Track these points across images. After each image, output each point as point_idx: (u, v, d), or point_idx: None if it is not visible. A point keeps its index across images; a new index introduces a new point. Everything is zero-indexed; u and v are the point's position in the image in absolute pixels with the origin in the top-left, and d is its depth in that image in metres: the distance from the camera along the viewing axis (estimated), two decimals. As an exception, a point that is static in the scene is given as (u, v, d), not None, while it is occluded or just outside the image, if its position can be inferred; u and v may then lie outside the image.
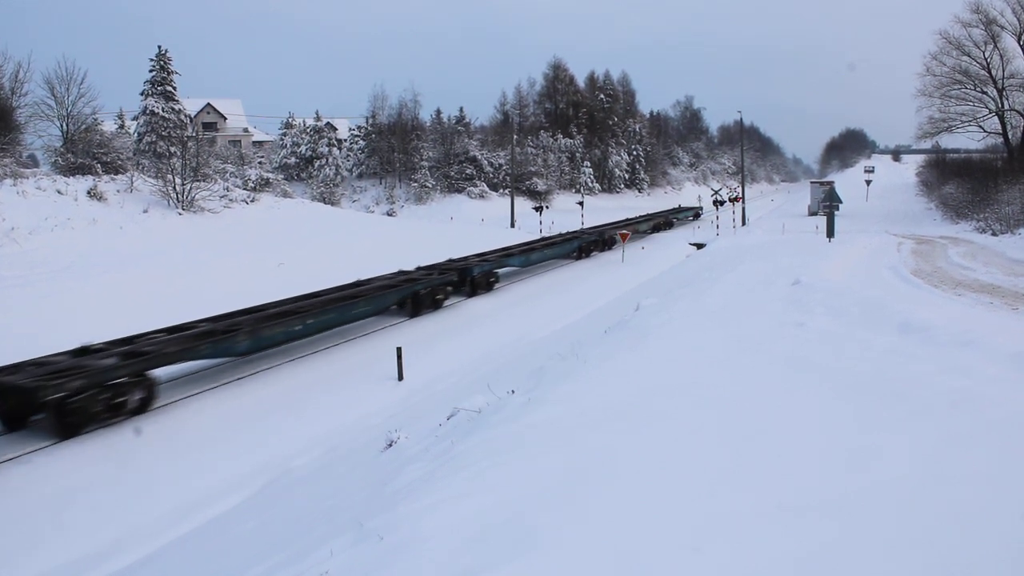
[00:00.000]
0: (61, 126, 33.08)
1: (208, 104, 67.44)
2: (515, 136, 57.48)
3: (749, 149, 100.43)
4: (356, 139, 64.00)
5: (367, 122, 63.36)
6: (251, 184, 36.65)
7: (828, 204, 28.12)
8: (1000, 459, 4.51)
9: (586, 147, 74.92)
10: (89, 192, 26.16)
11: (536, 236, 34.16)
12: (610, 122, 79.66)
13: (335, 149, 58.99)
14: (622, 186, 78.98)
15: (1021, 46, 41.39)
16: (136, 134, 44.42)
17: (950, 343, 7.69)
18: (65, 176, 27.87)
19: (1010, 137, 43.82)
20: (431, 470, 5.48)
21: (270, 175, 40.72)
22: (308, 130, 59.92)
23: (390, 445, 7.78)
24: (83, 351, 11.66)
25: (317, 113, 63.11)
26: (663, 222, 43.98)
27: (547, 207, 47.81)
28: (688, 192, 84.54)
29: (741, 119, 63.98)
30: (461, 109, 70.13)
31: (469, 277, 21.24)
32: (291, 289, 17.75)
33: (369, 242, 29.99)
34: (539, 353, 12.18)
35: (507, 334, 16.78)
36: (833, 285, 12.99)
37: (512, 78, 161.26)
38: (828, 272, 16.37)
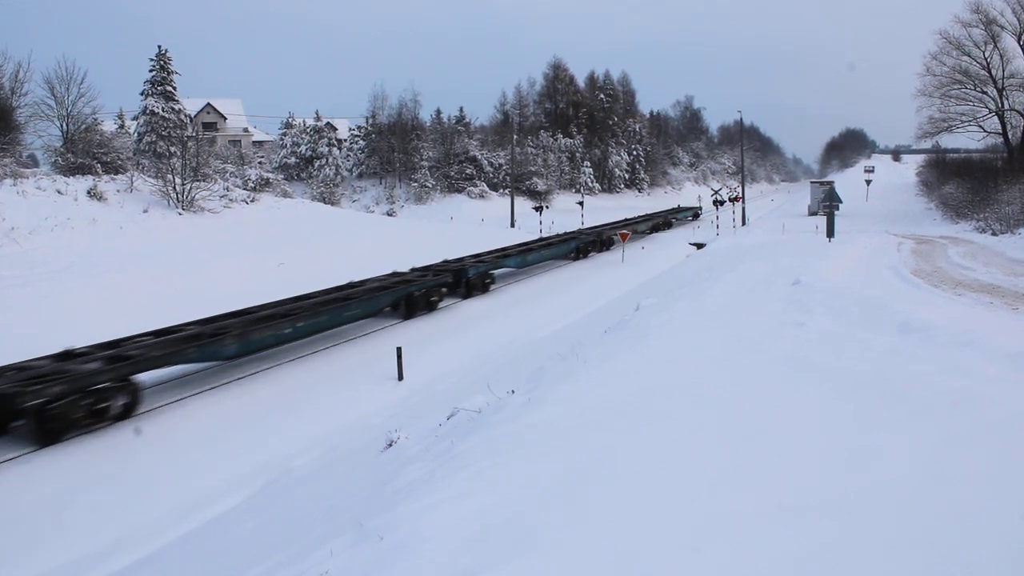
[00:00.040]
0: (61, 126, 33.11)
1: (208, 104, 67.46)
2: (515, 136, 57.48)
3: (749, 149, 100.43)
4: (356, 139, 64.01)
5: (367, 122, 63.37)
6: (251, 184, 36.65)
7: (828, 204, 28.12)
8: (1000, 459, 4.51)
9: (586, 147, 74.91)
10: (89, 192, 26.16)
11: (536, 236, 34.12)
12: (610, 122, 79.66)
13: (335, 149, 59.00)
14: (622, 186, 78.99)
15: (1021, 46, 41.41)
16: (136, 134, 44.42)
17: (950, 343, 7.69)
18: (65, 176, 27.86)
19: (1010, 137, 43.83)
20: (431, 470, 5.48)
21: (270, 175, 40.73)
22: (308, 130, 59.92)
23: (390, 445, 7.78)
24: (67, 355, 11.41)
25: (317, 113, 63.20)
26: (662, 222, 43.86)
27: (547, 207, 47.77)
28: (688, 192, 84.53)
29: (741, 119, 64.05)
30: (461, 109, 70.26)
31: (464, 278, 21.01)
32: (291, 289, 17.74)
33: (369, 242, 29.99)
34: (538, 354, 12.17)
35: (503, 335, 16.68)
36: (833, 285, 12.99)
37: (512, 78, 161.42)
38: (828, 272, 16.38)
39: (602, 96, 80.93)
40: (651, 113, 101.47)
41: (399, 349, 13.76)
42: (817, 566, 3.37)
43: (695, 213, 51.86)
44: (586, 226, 38.24)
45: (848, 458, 4.60)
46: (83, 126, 33.50)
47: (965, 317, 12.01)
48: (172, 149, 39.07)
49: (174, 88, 45.72)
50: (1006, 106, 42.99)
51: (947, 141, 54.02)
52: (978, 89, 43.52)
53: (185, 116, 45.76)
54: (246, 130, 70.90)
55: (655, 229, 42.10)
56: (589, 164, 73.55)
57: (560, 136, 72.28)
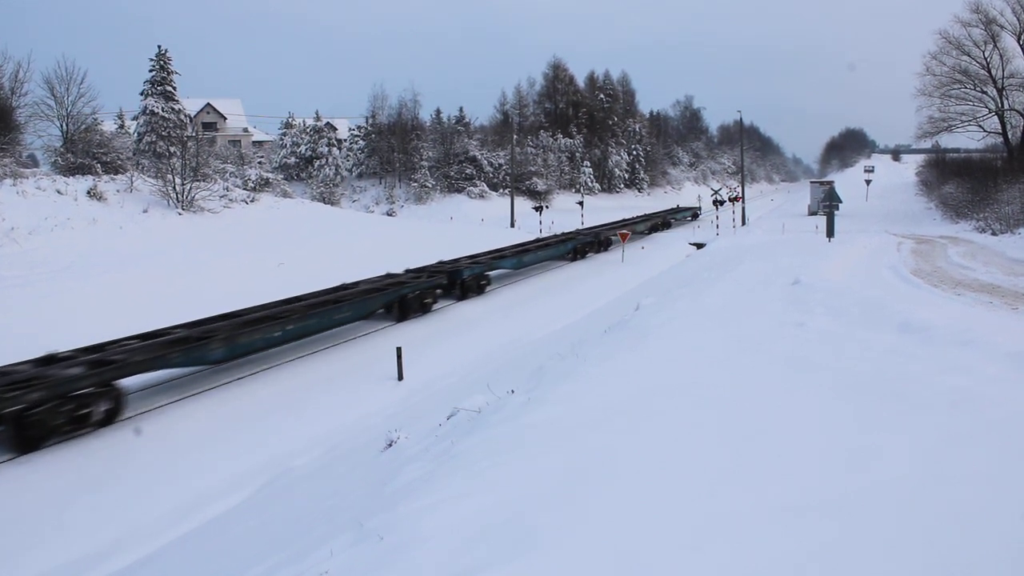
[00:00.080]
0: (61, 126, 33.10)
1: (208, 104, 67.47)
2: (515, 136, 57.47)
3: (749, 149, 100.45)
4: (356, 139, 64.00)
5: (367, 122, 63.38)
6: (251, 184, 36.66)
7: (828, 204, 28.11)
8: (1000, 459, 4.51)
9: (586, 147, 74.92)
10: (89, 192, 26.16)
11: (536, 236, 34.08)
12: (610, 122, 79.68)
13: (335, 149, 59.00)
14: (622, 186, 79.00)
15: (1021, 46, 41.42)
16: (136, 134, 44.42)
17: (950, 343, 7.69)
18: (65, 176, 27.87)
19: (1010, 137, 43.84)
20: (431, 470, 5.48)
21: (270, 175, 40.74)
22: (308, 130, 59.93)
23: (390, 445, 7.78)
24: (49, 359, 11.17)
25: (317, 113, 63.23)
26: (660, 223, 43.72)
27: (547, 207, 47.76)
28: (688, 192, 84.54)
29: (741, 119, 63.99)
30: (461, 109, 70.33)
31: (459, 280, 20.73)
32: (291, 289, 17.73)
33: (369, 242, 29.98)
34: (537, 355, 12.16)
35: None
36: (833, 285, 13.00)
37: (512, 78, 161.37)
38: (828, 272, 16.38)
39: (602, 96, 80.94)
40: (651, 113, 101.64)
41: (399, 349, 13.76)
42: (817, 566, 3.37)
43: (694, 213, 51.65)
44: (584, 226, 38.14)
45: (848, 458, 4.60)
46: (83, 126, 33.49)
47: (965, 317, 12.02)
48: (172, 149, 39.07)
49: (174, 88, 45.73)
50: (1006, 106, 43.02)
51: (947, 141, 54.15)
52: (978, 89, 43.55)
53: (185, 116, 45.76)
54: (246, 130, 70.92)
55: (653, 229, 42.02)
56: (589, 164, 73.56)
57: (560, 136, 72.28)
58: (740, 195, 45.45)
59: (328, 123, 62.88)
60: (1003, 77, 42.47)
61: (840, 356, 7.40)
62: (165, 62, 45.53)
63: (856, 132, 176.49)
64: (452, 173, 61.18)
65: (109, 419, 10.83)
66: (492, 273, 23.30)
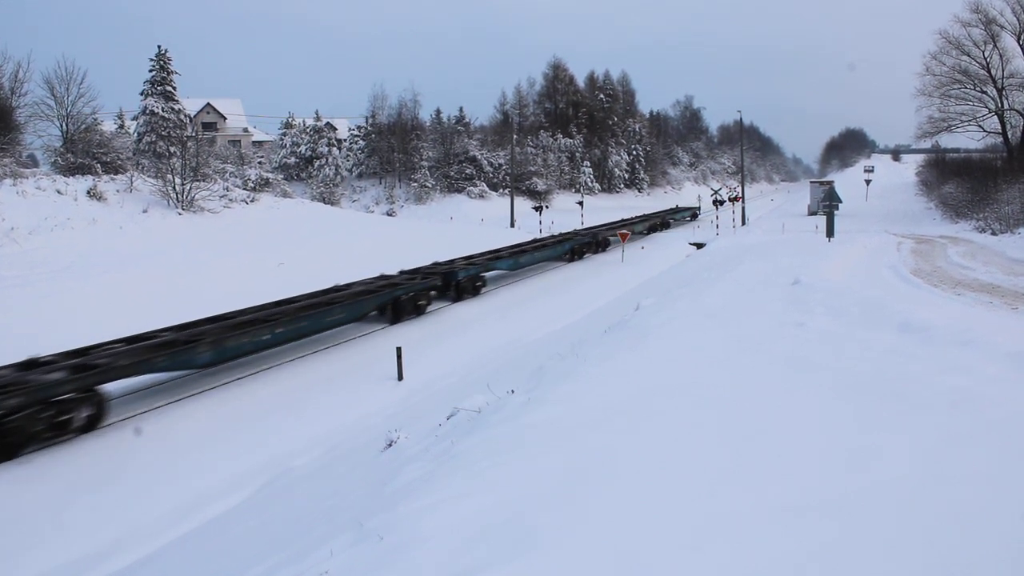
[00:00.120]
0: (61, 126, 33.11)
1: (208, 104, 67.48)
2: (515, 136, 57.48)
3: (749, 149, 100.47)
4: (356, 139, 64.01)
5: (367, 122, 63.38)
6: (251, 184, 36.66)
7: (828, 204, 28.09)
8: (1000, 459, 4.51)
9: (586, 147, 74.92)
10: (89, 192, 26.17)
11: (537, 236, 34.02)
12: (610, 122, 79.67)
13: (335, 149, 59.01)
14: (622, 186, 78.99)
15: (1021, 46, 41.42)
16: (136, 134, 44.44)
17: (950, 343, 7.70)
18: (65, 176, 27.87)
19: (1009, 137, 43.84)
20: (431, 470, 5.48)
21: (270, 175, 40.74)
22: (308, 130, 59.94)
23: (390, 445, 7.78)
24: (31, 364, 10.88)
25: (317, 113, 63.27)
26: (659, 223, 43.55)
27: (547, 207, 47.74)
28: (688, 192, 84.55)
29: (741, 119, 63.98)
30: (461, 109, 70.32)
31: (454, 281, 20.47)
32: (291, 289, 17.72)
33: (369, 242, 29.98)
34: (536, 357, 12.16)
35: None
36: (833, 285, 13.00)
37: (512, 78, 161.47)
38: (828, 272, 16.38)
39: (602, 96, 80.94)
40: (651, 113, 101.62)
41: (399, 349, 13.76)
42: (817, 566, 3.37)
43: (693, 213, 51.33)
44: (583, 227, 38.04)
45: (848, 458, 4.60)
46: (83, 126, 33.50)
47: (965, 317, 12.02)
48: (172, 149, 39.08)
49: (174, 88, 45.75)
50: (1006, 106, 43.02)
51: (947, 141, 54.16)
52: (978, 89, 43.55)
53: (185, 116, 45.77)
54: (246, 130, 70.92)
55: (652, 230, 41.89)
56: (589, 164, 73.55)
57: (560, 136, 72.28)
58: (740, 195, 45.43)
59: (328, 123, 62.90)
60: (1003, 77, 42.51)
61: (840, 356, 7.40)
62: (165, 62, 45.54)
63: (856, 132, 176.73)
64: (452, 173, 61.18)
65: (91, 425, 10.60)
66: (488, 274, 23.05)
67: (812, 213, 45.38)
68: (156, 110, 43.02)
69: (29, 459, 9.74)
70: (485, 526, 3.97)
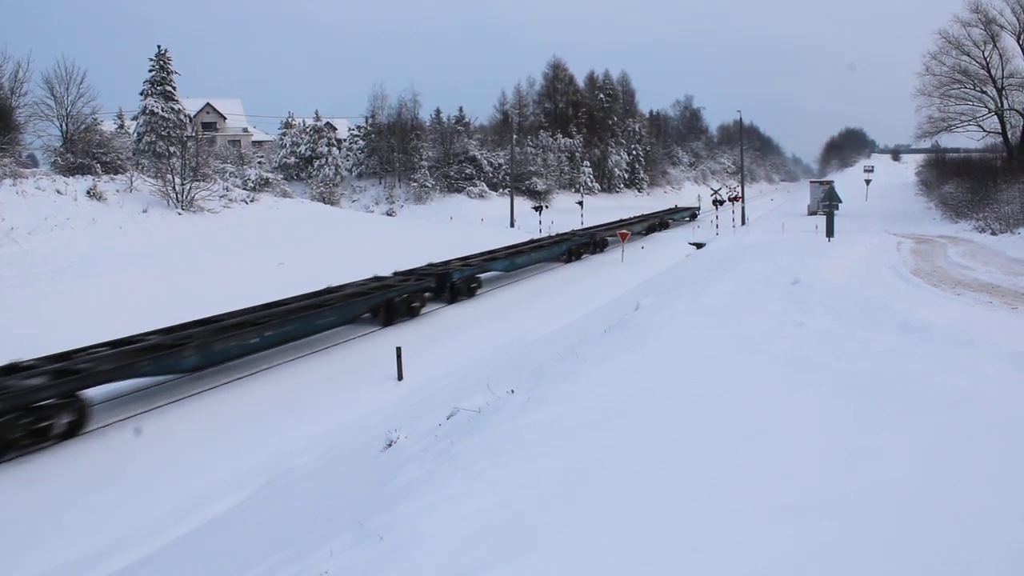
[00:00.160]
0: (61, 126, 33.08)
1: (208, 104, 67.48)
2: (515, 136, 57.47)
3: (749, 149, 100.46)
4: (356, 139, 64.02)
5: (367, 122, 63.39)
6: (251, 184, 36.67)
7: (828, 203, 28.10)
8: (1000, 459, 4.52)
9: (586, 147, 74.92)
10: (88, 192, 26.17)
11: (536, 236, 33.97)
12: (610, 122, 79.67)
13: (335, 149, 59.02)
14: (622, 186, 78.99)
15: (1020, 46, 41.43)
16: (136, 134, 44.44)
17: (950, 343, 7.70)
18: (64, 176, 27.87)
19: (1009, 136, 43.86)
20: (431, 470, 5.48)
21: (269, 175, 40.74)
22: (308, 130, 59.95)
23: (390, 445, 7.78)
24: (11, 369, 10.65)
25: (317, 113, 63.27)
26: (657, 223, 43.34)
27: (547, 207, 47.70)
28: (688, 192, 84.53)
29: (741, 119, 63.98)
30: (461, 109, 70.29)
31: (449, 283, 20.21)
32: (291, 289, 17.70)
33: (369, 242, 29.98)
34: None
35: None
36: (833, 285, 13.01)
37: (512, 78, 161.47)
38: (828, 272, 16.39)
39: (602, 96, 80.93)
40: (651, 113, 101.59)
41: (399, 349, 13.76)
42: (817, 566, 3.37)
43: (692, 213, 51.00)
44: (581, 227, 37.87)
45: (848, 458, 4.60)
46: (83, 126, 33.48)
47: (965, 317, 12.03)
48: (172, 149, 39.07)
49: (174, 88, 45.75)
50: (1005, 106, 43.03)
51: (946, 141, 54.15)
52: (977, 89, 43.56)
53: (185, 116, 45.78)
54: (246, 130, 70.93)
55: (650, 230, 41.70)
56: (588, 164, 73.55)
57: (560, 136, 72.28)
58: (740, 195, 45.41)
59: (328, 123, 62.91)
60: (1003, 77, 42.51)
61: (840, 356, 7.40)
62: (165, 62, 45.54)
63: (856, 132, 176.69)
64: (452, 173, 61.18)
65: (72, 432, 10.37)
66: (484, 276, 22.81)
67: (812, 213, 45.37)
68: (156, 110, 43.02)
69: (29, 459, 9.74)
70: (485, 526, 3.97)
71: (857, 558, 3.40)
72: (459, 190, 59.66)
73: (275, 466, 9.64)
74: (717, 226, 39.08)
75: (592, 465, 4.71)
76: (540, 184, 62.09)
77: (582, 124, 76.75)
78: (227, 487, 9.14)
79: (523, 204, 50.35)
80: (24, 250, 20.63)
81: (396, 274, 20.10)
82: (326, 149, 57.97)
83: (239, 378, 13.39)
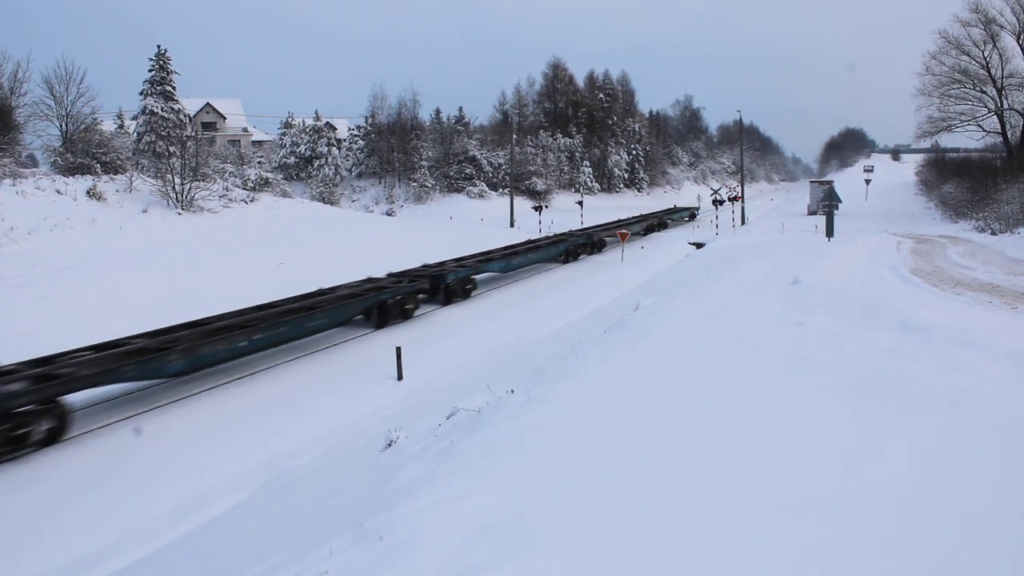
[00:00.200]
0: (60, 126, 33.06)
1: (207, 104, 67.47)
2: (514, 136, 57.45)
3: (748, 148, 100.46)
4: (356, 139, 64.00)
5: (366, 122, 63.37)
6: (250, 184, 36.66)
7: (827, 203, 28.09)
8: (1000, 459, 4.52)
9: (585, 147, 74.90)
10: (88, 192, 26.16)
11: (536, 235, 33.92)
12: (609, 122, 79.66)
13: (334, 149, 59.01)
14: (621, 186, 78.98)
15: (1020, 45, 41.41)
16: (135, 134, 44.43)
17: (950, 343, 7.70)
18: (64, 176, 27.87)
19: (1009, 136, 43.85)
20: (431, 470, 5.48)
21: (269, 175, 40.73)
22: (307, 130, 59.95)
23: (390, 445, 7.78)
24: None
25: (316, 113, 63.28)
26: (656, 223, 43.17)
27: (546, 207, 47.68)
28: (687, 191, 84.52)
29: (740, 119, 63.96)
30: (460, 109, 70.29)
31: (443, 284, 20.01)
32: (291, 289, 17.70)
33: (368, 242, 29.97)
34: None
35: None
36: (833, 284, 13.01)
37: (512, 78, 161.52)
38: (828, 271, 16.39)
39: (601, 96, 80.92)
40: (651, 113, 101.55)
41: (399, 349, 13.76)
42: (817, 566, 3.37)
43: (692, 213, 50.77)
44: (579, 227, 37.72)
45: (848, 458, 4.60)
46: (82, 126, 33.46)
47: (965, 316, 12.03)
48: (171, 149, 39.03)
49: (173, 88, 45.74)
50: (1005, 105, 43.01)
51: (946, 141, 54.09)
52: (977, 88, 43.55)
53: (184, 116, 45.76)
54: (245, 130, 70.92)
55: (649, 230, 41.55)
56: (588, 164, 73.53)
57: (559, 136, 72.26)
58: (740, 195, 45.39)
59: (328, 123, 62.91)
60: (1002, 77, 42.48)
61: (840, 356, 7.40)
62: (165, 62, 45.53)
63: (856, 132, 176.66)
64: (452, 173, 61.17)
65: (52, 438, 10.15)
66: (479, 277, 22.60)
67: (812, 213, 45.35)
68: (156, 110, 43.01)
69: (29, 459, 9.75)
70: (485, 526, 3.97)
71: (857, 558, 3.40)
72: (459, 190, 59.64)
73: (275, 466, 9.64)
74: (717, 226, 39.08)
75: (592, 465, 4.71)
76: (540, 184, 62.08)
77: (582, 124, 76.73)
78: (227, 487, 9.15)
79: (523, 204, 50.33)
80: (24, 250, 20.63)
81: (390, 275, 19.90)
82: (326, 149, 57.97)
83: (239, 378, 13.39)
